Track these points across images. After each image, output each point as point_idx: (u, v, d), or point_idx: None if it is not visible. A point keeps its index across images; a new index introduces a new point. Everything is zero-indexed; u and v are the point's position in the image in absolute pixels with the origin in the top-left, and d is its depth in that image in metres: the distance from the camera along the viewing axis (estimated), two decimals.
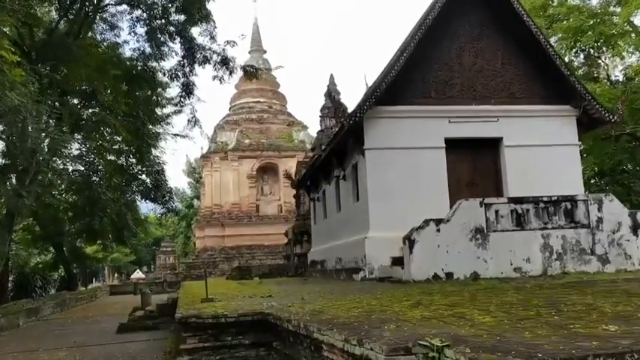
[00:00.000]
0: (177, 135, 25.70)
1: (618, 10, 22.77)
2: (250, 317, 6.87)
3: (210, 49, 21.15)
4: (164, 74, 22.19)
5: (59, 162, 20.98)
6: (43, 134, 16.70)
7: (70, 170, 22.48)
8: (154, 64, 21.77)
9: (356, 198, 14.64)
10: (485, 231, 10.65)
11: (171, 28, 20.89)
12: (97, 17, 21.32)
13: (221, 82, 21.57)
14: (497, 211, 10.77)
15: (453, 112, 13.81)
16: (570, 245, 10.85)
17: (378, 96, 13.13)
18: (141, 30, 21.43)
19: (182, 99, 22.79)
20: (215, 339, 6.86)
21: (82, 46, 19.04)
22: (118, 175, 23.65)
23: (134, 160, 24.21)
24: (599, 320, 4.11)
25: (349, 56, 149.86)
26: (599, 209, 11.04)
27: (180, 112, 24.42)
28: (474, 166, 14.16)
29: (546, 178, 13.33)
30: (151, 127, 23.21)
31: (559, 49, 21.64)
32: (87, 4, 19.94)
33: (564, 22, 23.12)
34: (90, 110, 22.46)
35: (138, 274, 59.47)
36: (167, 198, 25.68)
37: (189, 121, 23.74)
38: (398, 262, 11.35)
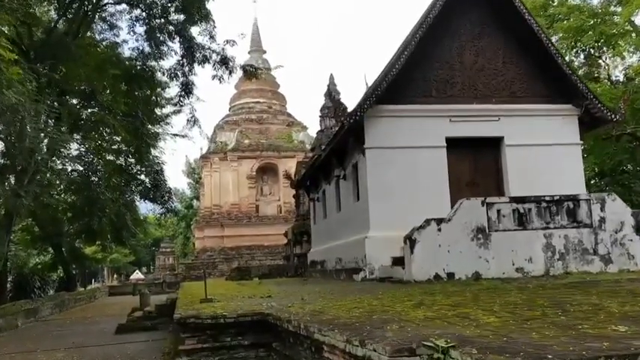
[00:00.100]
0: (177, 135, 25.73)
1: (619, 9, 22.73)
2: (250, 318, 6.78)
3: (209, 48, 21.14)
4: (163, 74, 22.20)
5: (58, 162, 20.97)
6: (42, 134, 16.64)
7: (69, 170, 22.51)
8: (153, 63, 21.79)
9: (356, 198, 14.55)
10: (487, 231, 10.57)
11: (171, 28, 20.85)
12: (96, 16, 21.29)
13: (220, 82, 21.56)
14: (498, 211, 10.69)
15: (454, 111, 13.74)
16: (573, 245, 10.77)
17: (378, 95, 13.04)
18: (140, 29, 21.44)
19: (181, 98, 22.79)
20: (214, 340, 6.77)
21: (81, 46, 18.99)
22: (117, 175, 23.60)
23: (133, 160, 24.16)
24: (608, 321, 4.02)
25: (349, 56, 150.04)
26: (602, 209, 10.96)
27: (179, 111, 24.41)
28: (475, 165, 14.07)
29: (548, 178, 13.25)
30: (150, 127, 23.18)
31: (559, 48, 21.56)
32: (86, 3, 19.88)
33: (565, 21, 23.07)
34: (89, 110, 22.43)
35: (137, 275, 59.36)
36: (166, 198, 25.66)
37: (188, 120, 23.73)
38: (399, 262, 11.27)
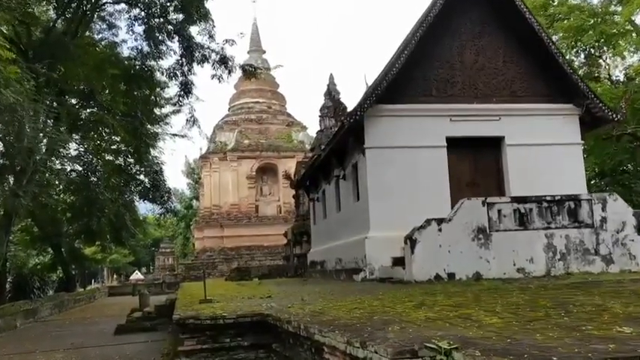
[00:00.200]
0: (176, 135, 25.62)
1: (619, 9, 22.66)
2: (249, 318, 6.72)
3: (208, 47, 21.04)
4: (162, 73, 22.06)
5: (57, 162, 20.88)
6: (41, 134, 16.56)
7: (68, 170, 22.41)
8: (153, 63, 21.65)
9: (356, 197, 14.49)
10: (488, 231, 10.52)
11: (170, 27, 20.76)
12: (95, 16, 21.21)
13: (220, 81, 21.46)
14: (499, 211, 10.63)
15: (454, 111, 13.68)
16: (574, 245, 10.71)
17: (378, 94, 12.98)
18: (139, 29, 21.32)
19: (180, 98, 22.65)
20: (213, 340, 6.70)
21: (80, 45, 18.90)
22: (117, 175, 23.52)
23: (132, 160, 24.07)
24: (612, 322, 3.96)
25: (349, 56, 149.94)
26: (603, 209, 10.91)
27: (178, 111, 24.28)
28: (476, 165, 14.01)
29: (548, 178, 13.20)
30: (149, 126, 23.09)
31: (560, 48, 21.51)
32: (85, 2, 19.81)
33: (565, 21, 23.02)
34: (88, 110, 22.36)
35: (137, 275, 59.30)
36: (166, 198, 25.58)
37: (187, 120, 23.62)
38: (399, 262, 11.21)
